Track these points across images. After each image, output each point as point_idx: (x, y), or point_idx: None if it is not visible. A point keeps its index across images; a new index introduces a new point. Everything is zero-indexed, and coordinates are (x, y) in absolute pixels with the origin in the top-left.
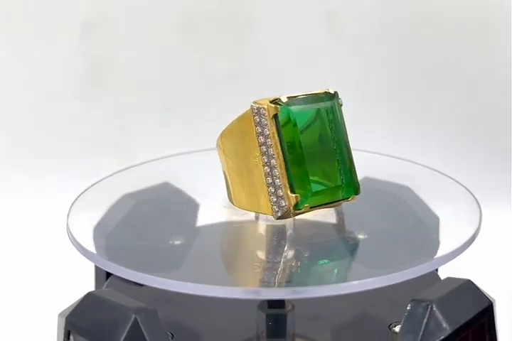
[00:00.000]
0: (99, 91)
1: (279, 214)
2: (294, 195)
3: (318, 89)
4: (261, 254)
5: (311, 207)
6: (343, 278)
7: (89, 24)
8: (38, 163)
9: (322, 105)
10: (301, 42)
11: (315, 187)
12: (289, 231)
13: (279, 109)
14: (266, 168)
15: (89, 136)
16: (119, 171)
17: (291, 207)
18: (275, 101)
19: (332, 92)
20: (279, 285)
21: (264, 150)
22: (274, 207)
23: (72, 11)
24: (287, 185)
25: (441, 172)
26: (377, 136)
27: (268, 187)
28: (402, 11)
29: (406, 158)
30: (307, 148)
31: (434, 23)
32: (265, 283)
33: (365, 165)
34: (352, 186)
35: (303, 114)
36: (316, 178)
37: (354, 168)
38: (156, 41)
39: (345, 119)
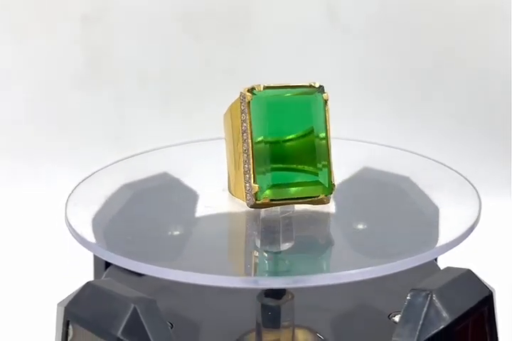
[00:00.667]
0: (99, 82)
1: (251, 203)
2: (255, 185)
3: (307, 82)
4: (260, 244)
5: (271, 200)
6: (343, 268)
7: (89, 14)
8: (36, 154)
9: (302, 98)
10: (301, 33)
11: (277, 180)
12: (287, 221)
13: (252, 98)
14: (244, 155)
15: (89, 127)
16: (116, 161)
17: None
18: (250, 90)
19: (317, 86)
20: (279, 275)
21: (245, 137)
22: (248, 195)
23: (73, 1)
24: (252, 175)
25: (440, 163)
26: (377, 126)
27: (244, 174)
28: (402, 1)
29: (406, 149)
30: (279, 139)
31: (434, 11)
32: (265, 273)
33: (364, 156)
34: (326, 185)
35: (278, 104)
36: (288, 168)
37: (331, 166)
38: (155, 32)
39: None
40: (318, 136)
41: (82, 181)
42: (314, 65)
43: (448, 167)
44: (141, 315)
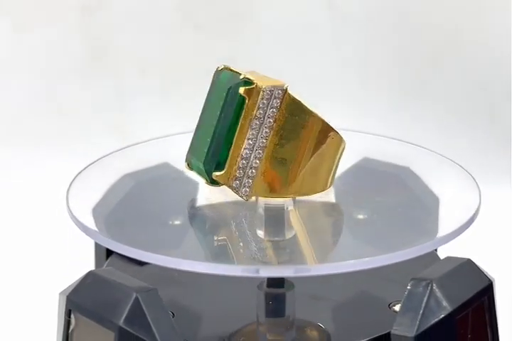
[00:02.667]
0: (99, 71)
1: None
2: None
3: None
4: (261, 233)
5: (191, 168)
6: (344, 257)
7: (89, 4)
8: (38, 144)
9: (225, 86)
10: (302, 22)
11: (190, 154)
12: (288, 211)
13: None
14: None
15: (89, 116)
16: (117, 150)
17: None
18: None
19: (240, 78)
20: (280, 264)
21: None
22: None
23: None
24: None
25: (440, 154)
26: (376, 117)
27: None
28: None
29: (405, 139)
30: (206, 120)
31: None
32: (266, 262)
33: (365, 146)
34: (205, 176)
35: (213, 87)
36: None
37: (224, 160)
38: (155, 21)
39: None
40: (219, 128)
41: (83, 170)
42: (314, 53)
43: (447, 158)
44: (143, 304)
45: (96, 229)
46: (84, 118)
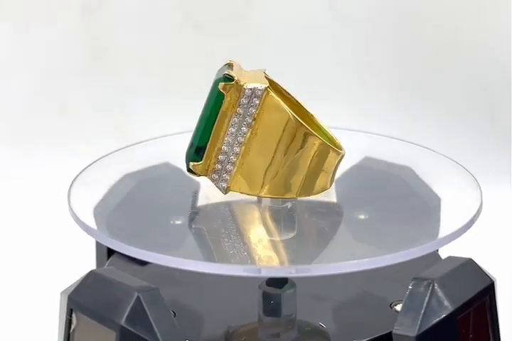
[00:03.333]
0: (99, 71)
1: None
2: None
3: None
4: (262, 233)
5: None
6: (345, 258)
7: (89, 4)
8: (39, 143)
9: (214, 84)
10: (301, 19)
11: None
12: (289, 210)
13: None
14: None
15: (89, 115)
16: (117, 150)
17: None
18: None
19: (221, 75)
20: (282, 264)
21: None
22: None
23: None
24: None
25: (442, 154)
26: (377, 116)
27: None
28: None
29: (406, 139)
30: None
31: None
32: (267, 262)
33: (366, 146)
34: (186, 164)
35: (214, 84)
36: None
37: (202, 152)
38: (156, 20)
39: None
40: (203, 121)
41: (84, 170)
42: (314, 54)
43: (449, 158)
44: (144, 304)
45: (97, 229)
46: (84, 118)
